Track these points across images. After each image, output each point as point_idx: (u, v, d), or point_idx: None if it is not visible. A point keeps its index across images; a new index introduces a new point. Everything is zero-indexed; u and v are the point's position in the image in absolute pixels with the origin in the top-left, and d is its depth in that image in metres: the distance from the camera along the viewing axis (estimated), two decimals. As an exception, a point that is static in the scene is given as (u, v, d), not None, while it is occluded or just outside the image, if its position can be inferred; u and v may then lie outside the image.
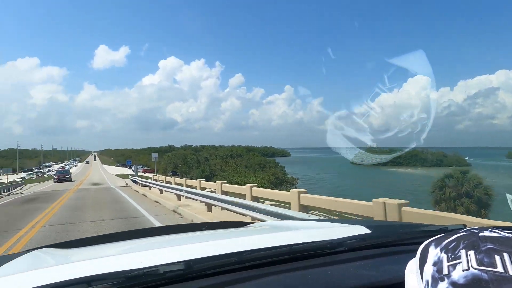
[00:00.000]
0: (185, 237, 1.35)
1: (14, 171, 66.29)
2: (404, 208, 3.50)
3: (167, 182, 15.64)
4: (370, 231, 0.97)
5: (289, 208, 5.63)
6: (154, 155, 27.22)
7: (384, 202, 3.65)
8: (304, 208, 5.29)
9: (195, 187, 11.40)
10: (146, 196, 14.59)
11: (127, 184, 26.35)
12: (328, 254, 0.82)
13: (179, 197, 11.18)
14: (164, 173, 60.79)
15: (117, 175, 50.48)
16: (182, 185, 12.96)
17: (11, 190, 24.50)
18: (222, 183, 9.34)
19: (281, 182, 41.64)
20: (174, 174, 50.18)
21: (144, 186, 19.30)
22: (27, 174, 59.16)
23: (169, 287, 0.67)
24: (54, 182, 33.05)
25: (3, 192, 21.74)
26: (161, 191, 13.98)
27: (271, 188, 19.86)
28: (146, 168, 59.58)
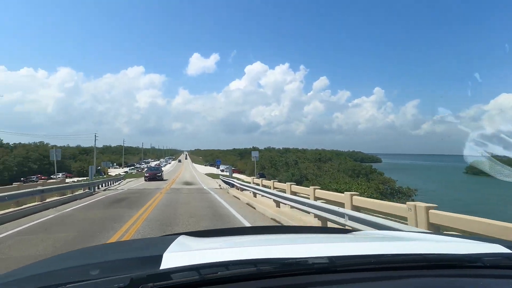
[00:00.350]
0: (321, 237, 1.48)
1: (120, 166, 73.29)
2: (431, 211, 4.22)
3: (277, 189, 11.33)
4: (510, 251, 0.94)
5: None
6: (255, 153, 23.72)
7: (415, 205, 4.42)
8: (356, 208, 5.94)
9: (336, 203, 6.66)
10: (253, 208, 10.55)
11: (220, 186, 23.48)
12: (464, 267, 0.83)
13: (324, 222, 6.55)
14: (251, 174, 58.52)
15: (207, 174, 49.92)
16: (307, 197, 8.44)
17: (109, 185, 23.93)
18: (427, 208, 4.34)
19: (392, 192, 34.21)
20: (262, 176, 47.00)
21: (243, 190, 15.62)
22: (129, 169, 63.97)
23: (314, 276, 0.77)
24: (145, 180, 29.98)
25: (100, 187, 20.82)
26: (278, 204, 9.67)
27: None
28: (233, 168, 58.19)
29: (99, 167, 57.55)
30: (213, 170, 66.42)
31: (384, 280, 0.76)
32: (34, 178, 46.44)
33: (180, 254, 0.91)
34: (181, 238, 1.21)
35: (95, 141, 56.51)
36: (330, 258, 0.80)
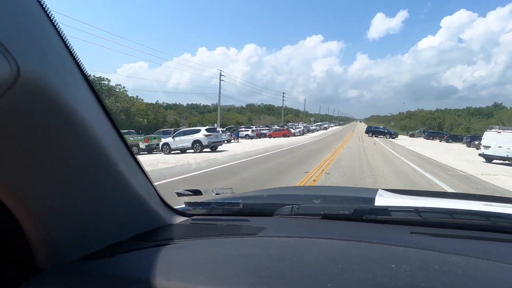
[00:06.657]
0: None
1: (228, 129, 38.69)
2: None
3: None
4: None
5: None
6: None
7: None
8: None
9: None
10: None
11: None
12: None
13: None
14: None
15: None
16: None
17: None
18: None
19: None
20: None
21: None
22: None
23: None
24: None
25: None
26: None
27: None
28: None
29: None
30: (461, 149, 20.88)
31: None
32: None
33: (392, 200, 1.04)
34: (381, 191, 1.27)
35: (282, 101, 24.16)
36: None
